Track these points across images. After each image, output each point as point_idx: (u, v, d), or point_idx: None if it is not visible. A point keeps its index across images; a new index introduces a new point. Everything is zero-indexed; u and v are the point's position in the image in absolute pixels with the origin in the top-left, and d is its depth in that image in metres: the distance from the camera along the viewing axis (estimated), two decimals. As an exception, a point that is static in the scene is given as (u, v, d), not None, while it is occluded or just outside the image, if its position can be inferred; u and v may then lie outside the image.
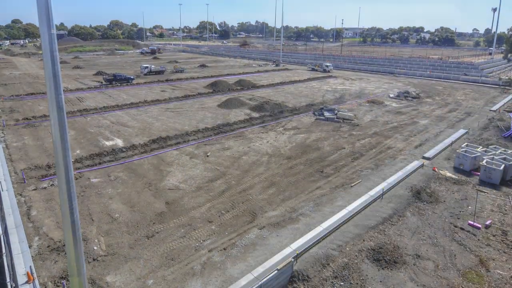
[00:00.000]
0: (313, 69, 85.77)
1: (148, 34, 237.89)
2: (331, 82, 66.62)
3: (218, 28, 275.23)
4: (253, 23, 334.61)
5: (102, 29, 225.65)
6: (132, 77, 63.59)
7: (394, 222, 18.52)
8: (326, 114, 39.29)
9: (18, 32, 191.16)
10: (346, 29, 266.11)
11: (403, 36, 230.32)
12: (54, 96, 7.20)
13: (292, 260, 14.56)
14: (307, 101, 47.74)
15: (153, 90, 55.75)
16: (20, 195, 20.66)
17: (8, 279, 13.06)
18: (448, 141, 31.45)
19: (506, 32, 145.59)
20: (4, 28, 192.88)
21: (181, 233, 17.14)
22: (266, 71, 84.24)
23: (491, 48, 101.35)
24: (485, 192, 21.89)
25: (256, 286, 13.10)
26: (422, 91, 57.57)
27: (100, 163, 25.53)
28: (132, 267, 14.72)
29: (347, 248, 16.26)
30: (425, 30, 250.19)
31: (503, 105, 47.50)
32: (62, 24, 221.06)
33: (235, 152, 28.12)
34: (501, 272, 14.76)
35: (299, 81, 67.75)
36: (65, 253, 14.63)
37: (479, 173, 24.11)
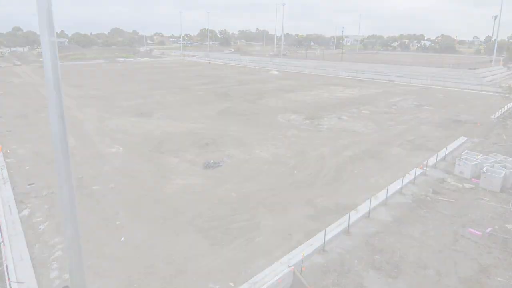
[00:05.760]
0: None
1: (148, 41, 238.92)
2: (332, 89, 66.85)
3: (219, 36, 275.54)
4: (253, 30, 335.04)
5: (103, 37, 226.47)
6: None
7: (394, 230, 18.49)
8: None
9: (19, 39, 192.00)
10: (347, 36, 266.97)
11: (404, 43, 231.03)
12: (55, 104, 7.24)
13: (293, 268, 14.54)
14: (310, 107, 47.95)
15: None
16: (21, 202, 20.72)
17: (8, 286, 13.06)
18: (448, 148, 31.46)
19: (506, 40, 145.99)
20: (5, 36, 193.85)
21: (182, 241, 17.15)
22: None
23: (492, 56, 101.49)
24: (485, 200, 21.86)
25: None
26: (422, 98, 57.69)
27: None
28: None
29: (348, 256, 16.22)
30: (425, 38, 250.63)
31: (503, 113, 47.49)
32: (63, 31, 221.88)
33: (236, 160, 28.15)
34: (501, 280, 14.71)
35: (302, 89, 68.07)
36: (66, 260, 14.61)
37: (479, 181, 24.09)
